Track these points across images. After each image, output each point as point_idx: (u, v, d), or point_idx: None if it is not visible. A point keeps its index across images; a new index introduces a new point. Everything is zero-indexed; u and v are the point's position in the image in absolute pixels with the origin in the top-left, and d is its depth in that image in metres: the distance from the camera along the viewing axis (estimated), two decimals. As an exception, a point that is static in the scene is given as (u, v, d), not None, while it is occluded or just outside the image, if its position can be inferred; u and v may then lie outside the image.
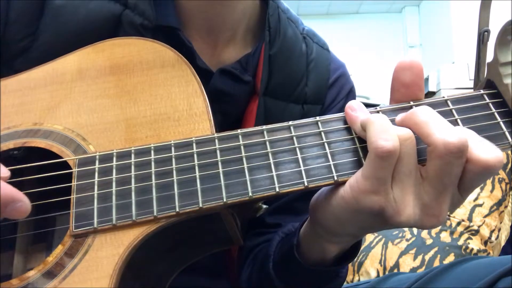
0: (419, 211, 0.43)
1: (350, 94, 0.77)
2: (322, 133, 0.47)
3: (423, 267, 1.19)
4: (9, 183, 0.42)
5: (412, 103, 0.48)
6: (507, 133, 0.46)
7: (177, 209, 0.44)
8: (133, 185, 0.46)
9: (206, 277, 0.70)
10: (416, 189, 0.43)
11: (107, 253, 0.44)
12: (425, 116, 0.43)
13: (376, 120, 0.43)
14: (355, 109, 0.47)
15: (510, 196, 1.37)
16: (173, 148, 0.47)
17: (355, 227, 0.48)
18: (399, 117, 0.46)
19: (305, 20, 0.78)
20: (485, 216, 1.31)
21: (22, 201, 0.41)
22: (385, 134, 0.42)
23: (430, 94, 3.97)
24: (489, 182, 1.34)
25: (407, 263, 1.22)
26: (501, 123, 0.47)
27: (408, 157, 0.43)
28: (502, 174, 1.36)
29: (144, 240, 0.44)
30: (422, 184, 0.43)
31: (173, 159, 0.47)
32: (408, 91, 0.48)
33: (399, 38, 5.44)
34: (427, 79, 4.08)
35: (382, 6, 5.37)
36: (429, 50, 5.10)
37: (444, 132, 0.41)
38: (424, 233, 1.27)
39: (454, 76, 3.78)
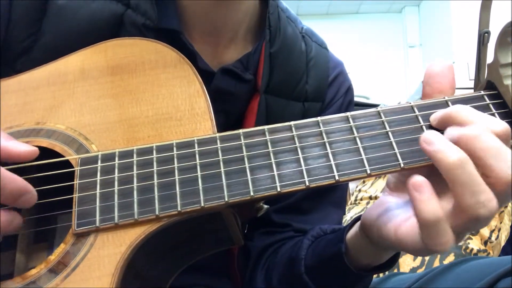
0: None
1: (349, 92, 0.78)
2: (324, 133, 0.47)
3: (423, 267, 1.19)
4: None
5: (412, 103, 0.48)
6: (507, 134, 0.46)
7: (179, 208, 0.45)
8: (135, 184, 0.46)
9: (207, 276, 0.70)
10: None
11: (109, 252, 0.44)
12: (486, 143, 0.40)
13: (431, 226, 0.40)
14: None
15: (510, 196, 1.37)
16: (175, 148, 0.48)
17: None
18: (450, 133, 0.42)
19: (305, 20, 0.78)
20: (485, 216, 1.31)
21: (31, 193, 0.44)
22: (443, 238, 0.40)
23: (430, 94, 3.96)
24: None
25: (407, 263, 1.22)
26: (502, 124, 0.47)
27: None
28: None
29: (146, 239, 0.44)
30: None
31: (175, 159, 0.47)
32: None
33: (399, 38, 5.44)
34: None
35: (382, 6, 5.37)
36: (429, 50, 5.10)
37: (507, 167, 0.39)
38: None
39: (454, 76, 3.78)
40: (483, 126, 0.41)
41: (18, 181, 0.42)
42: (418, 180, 0.40)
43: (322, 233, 0.65)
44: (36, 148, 0.46)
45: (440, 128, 0.45)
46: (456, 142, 0.41)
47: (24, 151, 0.45)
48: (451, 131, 0.42)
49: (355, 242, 0.55)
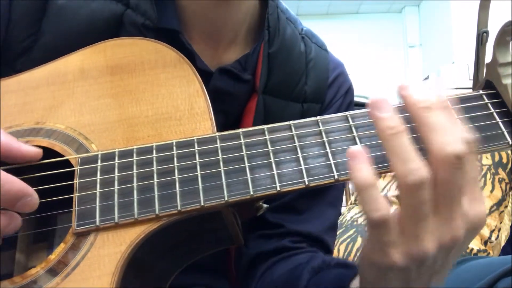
0: (435, 239, 0.41)
1: (349, 93, 0.78)
2: (323, 132, 0.48)
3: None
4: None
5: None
6: (506, 133, 0.47)
7: (179, 208, 0.45)
8: (135, 184, 0.46)
9: (207, 276, 0.70)
10: (429, 222, 0.41)
11: (109, 251, 0.44)
12: (432, 121, 0.41)
13: (366, 184, 0.41)
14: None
15: (510, 196, 1.37)
16: (174, 147, 0.48)
17: (391, 285, 0.45)
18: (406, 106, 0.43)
19: (305, 20, 0.78)
20: (485, 216, 1.31)
21: (32, 196, 0.43)
22: (375, 203, 0.40)
23: (430, 94, 3.96)
24: (489, 182, 1.34)
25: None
26: (500, 123, 0.47)
27: (420, 205, 0.40)
28: (502, 174, 1.36)
29: (145, 238, 0.44)
30: (433, 212, 0.41)
31: (175, 158, 0.47)
32: None
33: (399, 38, 5.45)
34: (427, 79, 4.08)
35: (382, 6, 5.38)
36: (429, 50, 5.11)
37: (445, 141, 0.40)
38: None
39: (454, 76, 3.78)
40: (433, 102, 0.42)
41: (16, 183, 0.42)
42: (354, 149, 0.42)
43: (325, 266, 0.64)
44: (40, 150, 0.47)
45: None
46: (409, 111, 0.43)
47: (27, 152, 0.46)
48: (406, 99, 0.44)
49: None
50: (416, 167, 0.40)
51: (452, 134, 0.41)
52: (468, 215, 0.42)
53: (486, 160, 1.37)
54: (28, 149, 0.47)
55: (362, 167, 0.41)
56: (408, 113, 0.42)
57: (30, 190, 0.43)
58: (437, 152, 0.40)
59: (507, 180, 1.36)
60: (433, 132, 0.41)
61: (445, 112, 0.42)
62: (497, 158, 1.37)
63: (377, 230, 0.41)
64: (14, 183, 0.42)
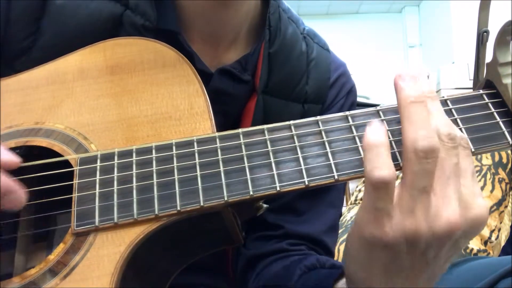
0: (429, 221, 0.41)
1: (351, 93, 0.77)
2: (323, 132, 0.47)
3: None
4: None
5: None
6: (506, 133, 0.46)
7: (179, 208, 0.45)
8: (134, 184, 0.46)
9: (206, 276, 0.70)
10: (426, 200, 0.41)
11: (109, 251, 0.44)
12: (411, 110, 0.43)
13: (370, 149, 0.42)
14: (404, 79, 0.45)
15: (510, 196, 1.37)
16: (174, 147, 0.48)
17: (379, 270, 0.44)
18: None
19: (305, 20, 0.78)
20: (485, 216, 1.31)
21: (16, 193, 0.42)
22: (380, 161, 0.41)
23: (430, 94, 3.96)
24: (489, 182, 1.34)
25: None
26: (500, 123, 0.47)
27: (424, 175, 0.41)
28: (502, 174, 1.36)
29: (145, 238, 0.44)
30: (432, 191, 0.41)
31: (174, 158, 0.47)
32: None
33: (399, 38, 5.45)
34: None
35: (382, 6, 5.38)
36: (429, 50, 5.11)
37: (440, 122, 0.42)
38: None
39: (454, 76, 3.78)
40: (416, 97, 0.43)
41: (2, 179, 0.41)
42: (374, 121, 0.44)
43: (318, 265, 0.64)
44: (18, 160, 0.44)
45: None
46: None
47: (6, 160, 0.44)
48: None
49: None
50: (429, 135, 0.41)
51: (424, 131, 0.41)
52: (468, 204, 0.42)
53: (486, 160, 1.37)
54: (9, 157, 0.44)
55: (377, 127, 0.43)
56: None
57: (16, 187, 0.42)
58: (406, 144, 0.41)
59: (507, 180, 1.36)
60: (408, 124, 0.42)
61: (425, 109, 0.43)
62: (497, 158, 1.37)
63: (375, 193, 0.41)
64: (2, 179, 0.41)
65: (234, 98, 0.67)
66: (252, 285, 0.69)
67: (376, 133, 0.42)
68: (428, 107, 0.43)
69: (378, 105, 0.50)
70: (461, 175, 0.42)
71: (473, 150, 0.46)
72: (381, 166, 0.40)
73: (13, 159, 0.43)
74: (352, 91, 0.78)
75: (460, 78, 3.70)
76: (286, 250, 0.70)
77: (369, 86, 4.55)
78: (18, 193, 0.42)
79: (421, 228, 0.40)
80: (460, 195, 0.41)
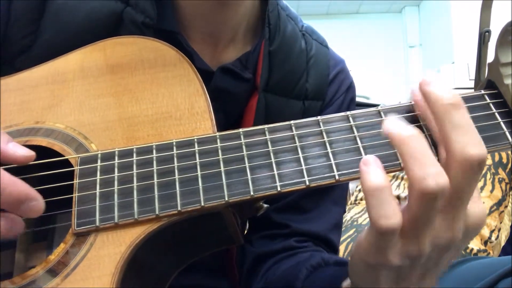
0: (433, 239, 0.41)
1: (350, 89, 0.78)
2: (324, 133, 0.47)
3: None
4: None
5: (413, 102, 0.48)
6: (507, 133, 0.46)
7: (179, 208, 0.45)
8: (135, 184, 0.46)
9: (207, 276, 0.70)
10: (431, 225, 0.40)
11: (109, 251, 0.44)
12: (456, 118, 0.40)
13: (378, 189, 0.39)
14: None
15: (510, 196, 1.37)
16: (175, 147, 0.48)
17: (386, 283, 0.44)
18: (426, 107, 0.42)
19: (305, 20, 0.78)
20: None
21: (37, 200, 0.41)
22: (386, 209, 0.38)
23: (430, 94, 3.96)
24: (489, 182, 1.34)
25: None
26: (502, 123, 0.47)
27: (430, 212, 0.39)
28: (502, 174, 1.36)
29: (145, 238, 0.44)
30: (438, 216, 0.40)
31: (175, 158, 0.47)
32: None
33: (399, 38, 5.45)
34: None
35: (382, 6, 5.38)
36: (429, 50, 5.11)
37: (468, 143, 0.39)
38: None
39: (454, 76, 3.78)
40: (458, 101, 0.41)
41: (19, 186, 0.40)
42: (368, 157, 0.41)
43: (323, 264, 0.63)
44: (34, 153, 0.45)
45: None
46: (431, 108, 0.41)
47: (21, 155, 0.44)
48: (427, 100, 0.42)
49: None
50: (436, 172, 0.38)
51: (475, 135, 0.39)
52: (469, 216, 0.41)
53: (486, 160, 1.37)
54: (22, 152, 0.45)
55: (375, 169, 0.40)
56: (432, 111, 0.41)
57: (35, 194, 0.41)
58: (459, 152, 0.38)
59: (507, 180, 1.36)
60: (457, 131, 0.39)
61: (467, 112, 0.40)
62: (497, 158, 1.37)
63: (382, 236, 0.39)
64: (17, 185, 0.40)
65: (236, 96, 0.67)
66: (258, 284, 0.70)
67: (377, 176, 0.39)
68: (444, 124, 0.40)
69: (378, 105, 0.50)
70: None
71: None
72: (388, 214, 0.38)
73: (30, 153, 0.44)
74: (351, 87, 0.78)
75: (460, 78, 3.71)
76: (294, 247, 0.70)
77: (369, 86, 4.55)
78: (39, 200, 0.41)
79: (425, 249, 0.40)
80: (465, 211, 0.41)
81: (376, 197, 0.39)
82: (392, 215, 0.38)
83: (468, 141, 0.39)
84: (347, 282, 0.53)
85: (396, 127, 0.40)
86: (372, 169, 0.40)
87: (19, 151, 0.44)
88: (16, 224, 0.42)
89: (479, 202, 0.42)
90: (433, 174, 0.38)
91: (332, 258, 0.64)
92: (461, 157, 0.38)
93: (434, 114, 0.41)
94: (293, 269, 0.65)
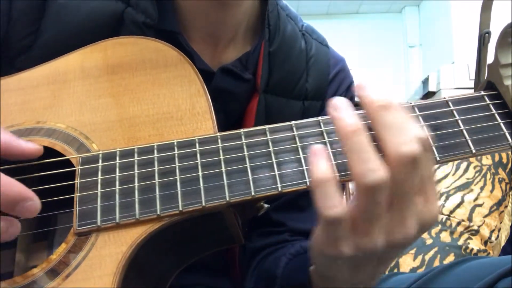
0: (387, 236, 0.41)
1: (350, 89, 0.78)
2: (324, 133, 0.48)
3: (423, 267, 1.19)
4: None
5: (413, 103, 0.49)
6: (507, 134, 0.47)
7: (180, 208, 0.45)
8: (136, 184, 0.46)
9: (208, 276, 0.70)
10: (380, 218, 0.41)
11: (110, 251, 0.44)
12: (387, 118, 0.41)
13: (322, 181, 0.40)
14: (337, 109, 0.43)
15: (510, 196, 1.37)
16: (176, 147, 0.48)
17: (342, 271, 0.46)
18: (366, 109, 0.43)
19: (305, 20, 0.78)
20: (485, 216, 1.31)
21: (32, 200, 0.41)
22: (329, 200, 0.40)
23: (430, 94, 3.97)
24: (489, 182, 1.34)
25: (407, 263, 1.22)
26: (502, 124, 0.47)
27: (375, 205, 0.40)
28: (502, 174, 1.37)
29: (147, 238, 0.44)
30: (388, 212, 0.41)
31: (176, 158, 0.47)
32: None
33: (399, 38, 5.44)
34: (427, 79, 4.08)
35: (382, 6, 5.37)
36: (429, 50, 5.10)
37: (400, 142, 0.40)
38: (424, 233, 1.27)
39: (454, 76, 3.78)
40: (388, 103, 0.42)
41: (15, 186, 0.40)
42: (316, 146, 0.42)
43: (302, 251, 0.64)
44: (41, 147, 0.46)
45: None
46: (366, 112, 0.43)
47: (27, 149, 0.45)
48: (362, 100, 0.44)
49: (315, 275, 0.54)
50: (375, 167, 0.39)
51: (407, 134, 0.40)
52: (422, 215, 0.42)
53: (486, 160, 1.37)
54: (28, 146, 0.45)
55: (320, 162, 0.41)
56: (367, 113, 0.42)
57: (31, 194, 0.41)
58: (393, 151, 0.40)
59: (507, 180, 1.36)
60: (388, 131, 0.40)
61: (401, 112, 0.42)
62: (497, 158, 1.37)
63: (329, 226, 0.41)
64: (12, 185, 0.40)
65: (236, 96, 0.68)
66: (251, 277, 0.71)
67: (320, 168, 0.41)
68: (378, 125, 0.41)
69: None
70: (420, 188, 0.42)
71: (474, 151, 0.46)
72: (331, 204, 0.40)
73: (36, 147, 0.45)
74: (351, 86, 0.78)
75: (460, 78, 3.70)
76: (286, 240, 0.71)
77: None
78: (35, 200, 0.41)
79: (378, 245, 0.41)
80: (417, 208, 0.42)
81: (320, 189, 0.40)
82: (335, 205, 0.40)
83: (400, 141, 0.40)
84: (312, 267, 0.54)
85: (342, 121, 0.41)
86: (319, 160, 0.41)
87: (23, 145, 0.45)
88: (12, 225, 0.42)
89: (434, 200, 0.43)
90: (371, 169, 0.39)
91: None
92: (395, 156, 0.39)
93: (369, 116, 0.42)
94: (276, 259, 0.67)
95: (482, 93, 0.49)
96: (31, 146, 0.46)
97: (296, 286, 0.59)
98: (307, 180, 0.45)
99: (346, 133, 0.41)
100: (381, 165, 0.39)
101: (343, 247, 0.42)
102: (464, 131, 0.47)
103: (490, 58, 0.50)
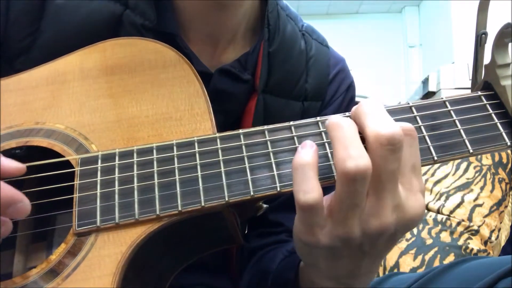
0: (361, 224, 0.42)
1: (350, 89, 0.78)
2: (323, 133, 0.48)
3: (423, 267, 1.19)
4: (11, 182, 0.42)
5: (411, 103, 0.49)
6: (504, 134, 0.47)
7: (179, 208, 0.45)
8: (135, 184, 0.46)
9: (208, 275, 0.70)
10: (357, 208, 0.41)
11: (110, 251, 0.44)
12: (366, 108, 0.43)
13: (300, 165, 0.41)
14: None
15: (510, 196, 1.37)
16: (175, 148, 0.48)
17: (322, 259, 0.46)
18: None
19: (305, 20, 0.78)
20: (485, 216, 1.31)
21: (22, 202, 0.42)
22: (305, 184, 0.41)
23: (430, 94, 3.97)
24: (489, 182, 1.34)
25: (407, 263, 1.22)
26: (498, 124, 0.47)
27: (354, 194, 0.40)
28: (502, 174, 1.37)
29: (146, 238, 0.45)
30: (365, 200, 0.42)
31: (175, 158, 0.47)
32: None
33: (399, 38, 5.44)
34: (427, 79, 4.08)
35: (382, 6, 5.37)
36: (429, 50, 5.10)
37: (378, 124, 0.40)
38: (424, 233, 1.28)
39: (454, 76, 3.78)
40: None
41: (6, 190, 0.41)
42: (306, 141, 0.43)
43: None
44: (24, 166, 0.44)
45: None
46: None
47: (13, 168, 0.44)
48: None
49: (303, 270, 0.55)
50: (357, 155, 0.39)
51: (385, 118, 0.41)
52: (404, 207, 0.42)
53: (486, 160, 1.37)
54: (9, 165, 0.44)
55: (303, 150, 0.42)
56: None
57: (21, 196, 0.42)
58: (371, 133, 0.40)
59: (507, 180, 1.37)
60: (369, 117, 0.41)
61: (376, 103, 0.43)
62: (497, 158, 1.37)
63: (304, 212, 0.42)
64: (4, 189, 0.41)
65: (235, 97, 0.68)
66: (246, 276, 0.71)
67: (304, 154, 0.42)
68: (359, 115, 0.43)
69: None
70: (400, 174, 0.42)
71: (471, 151, 0.46)
72: (307, 189, 0.40)
73: (18, 166, 0.43)
74: (351, 86, 0.78)
75: (460, 78, 3.70)
76: (284, 240, 0.71)
77: (369, 86, 4.55)
78: (25, 202, 0.42)
79: (354, 232, 0.42)
80: (395, 199, 0.42)
81: (298, 173, 0.41)
82: (311, 191, 0.40)
83: (380, 123, 0.41)
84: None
85: (332, 118, 0.43)
86: (304, 150, 0.42)
87: (8, 163, 0.43)
88: (5, 225, 0.42)
89: (418, 195, 0.43)
90: (354, 156, 0.39)
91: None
92: (374, 136, 0.40)
93: (353, 114, 0.44)
94: (272, 256, 0.67)
95: (479, 93, 0.49)
96: (12, 165, 0.44)
97: (285, 283, 0.60)
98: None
99: (332, 124, 0.42)
100: (364, 153, 0.40)
101: (319, 235, 0.42)
102: (462, 131, 0.47)
103: (487, 59, 0.50)
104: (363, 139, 0.42)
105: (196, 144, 0.48)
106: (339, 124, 0.42)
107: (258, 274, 0.68)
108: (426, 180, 1.39)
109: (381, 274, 1.22)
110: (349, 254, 0.44)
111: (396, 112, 0.48)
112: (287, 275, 0.59)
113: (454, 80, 3.76)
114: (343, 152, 0.40)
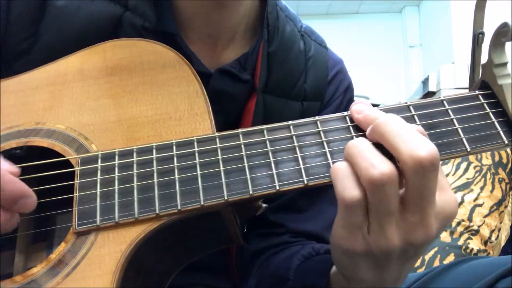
0: (404, 235, 0.42)
1: (348, 90, 0.78)
2: (321, 132, 0.48)
3: (423, 267, 1.19)
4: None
5: (409, 103, 0.49)
6: (501, 132, 0.47)
7: (179, 207, 0.45)
8: (135, 183, 0.47)
9: (207, 275, 0.70)
10: (396, 219, 0.42)
11: (110, 250, 0.44)
12: (393, 126, 0.42)
13: (339, 168, 0.42)
14: (360, 112, 0.47)
15: (510, 196, 1.37)
16: (174, 147, 0.48)
17: (363, 268, 0.46)
18: (369, 130, 0.45)
19: (305, 20, 0.78)
20: (485, 216, 1.31)
21: (31, 197, 0.43)
22: (350, 183, 0.41)
23: (430, 94, 3.97)
24: (489, 182, 1.34)
25: (407, 263, 1.22)
26: (496, 123, 0.48)
27: (385, 200, 0.41)
28: (502, 174, 1.37)
29: (146, 237, 0.45)
30: (402, 211, 0.42)
31: (175, 158, 0.48)
32: None
33: (399, 38, 5.44)
34: (427, 79, 4.08)
35: (382, 6, 5.37)
36: (429, 50, 5.10)
37: (414, 145, 0.40)
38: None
39: (454, 76, 3.78)
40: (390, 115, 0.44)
41: (17, 184, 0.42)
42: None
43: (314, 253, 0.65)
44: (17, 170, 0.44)
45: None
46: (371, 128, 0.45)
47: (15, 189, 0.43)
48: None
49: (336, 277, 0.55)
50: (380, 161, 0.40)
51: (418, 137, 0.41)
52: (442, 208, 0.43)
53: (486, 160, 1.37)
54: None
55: (340, 161, 0.43)
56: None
57: (30, 191, 0.43)
58: (408, 156, 0.40)
59: (507, 180, 1.36)
60: (396, 137, 0.41)
61: (401, 121, 0.43)
62: (497, 158, 1.37)
63: (347, 212, 0.42)
64: (16, 183, 0.42)
65: (234, 97, 0.68)
66: (252, 279, 0.70)
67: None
68: (384, 134, 0.43)
69: (378, 105, 0.50)
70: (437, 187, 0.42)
71: (469, 150, 0.46)
72: (350, 186, 0.41)
73: (12, 169, 0.44)
74: (349, 87, 0.78)
75: (460, 78, 3.71)
76: (288, 242, 0.71)
77: (369, 86, 4.55)
78: (33, 197, 0.43)
79: (395, 244, 0.42)
80: (435, 206, 0.42)
81: (339, 174, 0.42)
82: (354, 187, 0.41)
83: (413, 144, 0.41)
84: (334, 269, 0.55)
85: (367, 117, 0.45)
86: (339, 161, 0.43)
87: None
88: (13, 217, 0.43)
89: (449, 191, 0.44)
90: (375, 164, 0.40)
91: (323, 247, 0.65)
92: (411, 160, 0.40)
93: (373, 131, 0.44)
94: (285, 260, 0.66)
95: (477, 92, 0.49)
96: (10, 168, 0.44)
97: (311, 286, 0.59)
98: (305, 179, 0.46)
99: (346, 148, 0.43)
100: (385, 159, 0.41)
101: (362, 242, 0.43)
102: (459, 130, 0.47)
103: (484, 58, 0.50)
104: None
105: (195, 143, 0.48)
106: (352, 144, 0.43)
107: (270, 279, 0.67)
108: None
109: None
110: (391, 264, 0.44)
111: (394, 111, 0.48)
112: (312, 282, 0.58)
113: (454, 80, 3.76)
114: (364, 163, 0.41)
